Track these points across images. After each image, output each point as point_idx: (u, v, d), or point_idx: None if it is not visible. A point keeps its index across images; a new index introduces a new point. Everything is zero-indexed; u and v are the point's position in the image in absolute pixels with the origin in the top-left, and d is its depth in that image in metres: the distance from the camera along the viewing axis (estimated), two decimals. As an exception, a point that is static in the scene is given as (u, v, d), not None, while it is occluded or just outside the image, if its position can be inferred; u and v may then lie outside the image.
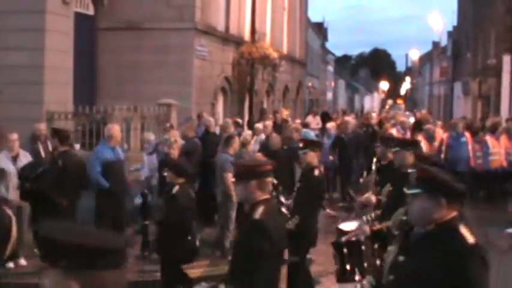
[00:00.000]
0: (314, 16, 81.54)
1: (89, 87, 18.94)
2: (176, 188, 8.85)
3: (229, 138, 12.31)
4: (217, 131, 15.80)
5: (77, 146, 15.50)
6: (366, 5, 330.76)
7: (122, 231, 11.18)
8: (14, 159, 11.52)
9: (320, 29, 60.86)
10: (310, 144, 10.09)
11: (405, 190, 4.67)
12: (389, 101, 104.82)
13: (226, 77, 22.85)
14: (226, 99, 23.38)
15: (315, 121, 23.97)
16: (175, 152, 11.99)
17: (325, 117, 25.07)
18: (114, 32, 19.49)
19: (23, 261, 11.18)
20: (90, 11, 19.36)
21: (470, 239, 4.18)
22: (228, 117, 19.40)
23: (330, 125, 19.56)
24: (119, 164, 11.86)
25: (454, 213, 4.29)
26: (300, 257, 8.92)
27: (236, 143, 12.14)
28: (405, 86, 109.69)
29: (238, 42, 23.73)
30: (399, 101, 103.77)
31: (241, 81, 23.61)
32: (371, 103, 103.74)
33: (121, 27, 19.44)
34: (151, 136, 14.33)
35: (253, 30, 23.93)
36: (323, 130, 20.70)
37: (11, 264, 10.90)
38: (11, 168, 11.29)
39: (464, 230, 4.25)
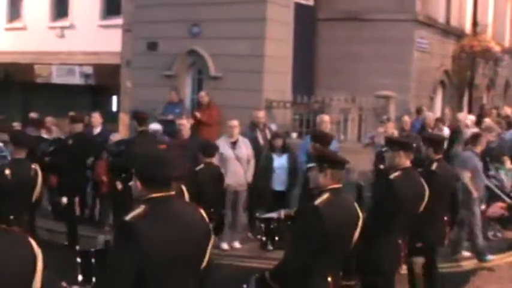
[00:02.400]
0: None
1: (307, 77, 18.91)
2: (435, 165, 8.00)
3: (478, 136, 11.48)
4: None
5: (294, 135, 15.61)
6: None
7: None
8: (233, 145, 11.71)
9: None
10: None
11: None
12: None
13: (446, 70, 21.96)
14: (445, 93, 22.48)
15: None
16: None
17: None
18: (332, 23, 19.35)
19: (237, 244, 11.48)
20: (310, 2, 19.35)
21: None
22: (446, 112, 18.68)
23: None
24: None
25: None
26: None
27: (484, 141, 11.33)
28: None
29: (458, 34, 22.76)
30: None
31: (460, 75, 22.60)
32: None
33: (340, 18, 19.26)
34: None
35: (474, 22, 23.07)
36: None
37: (225, 246, 11.18)
38: (230, 154, 11.51)
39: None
